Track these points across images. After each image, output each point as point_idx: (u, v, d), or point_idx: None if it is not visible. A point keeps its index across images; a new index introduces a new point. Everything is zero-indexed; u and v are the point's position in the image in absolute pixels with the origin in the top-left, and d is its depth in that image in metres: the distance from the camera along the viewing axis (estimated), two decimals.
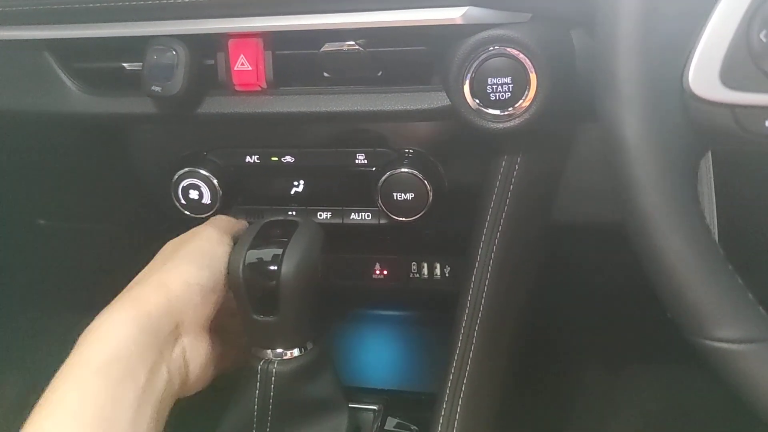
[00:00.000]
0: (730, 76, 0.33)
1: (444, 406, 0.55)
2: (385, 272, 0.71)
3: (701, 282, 0.35)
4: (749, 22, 0.32)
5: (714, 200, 0.45)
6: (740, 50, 0.33)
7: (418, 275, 0.71)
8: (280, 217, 0.53)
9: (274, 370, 0.49)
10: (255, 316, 0.48)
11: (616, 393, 0.93)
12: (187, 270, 0.49)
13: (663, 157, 0.34)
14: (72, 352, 0.44)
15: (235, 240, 0.52)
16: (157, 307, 0.46)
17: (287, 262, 0.47)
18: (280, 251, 0.48)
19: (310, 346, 0.51)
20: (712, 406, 0.89)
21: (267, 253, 0.48)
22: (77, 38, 0.57)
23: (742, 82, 0.33)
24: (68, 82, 0.60)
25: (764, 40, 0.32)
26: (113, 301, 0.47)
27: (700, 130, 0.35)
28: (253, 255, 0.48)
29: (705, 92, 0.34)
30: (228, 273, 0.49)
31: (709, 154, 0.42)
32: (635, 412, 0.93)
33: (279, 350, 0.50)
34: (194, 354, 0.49)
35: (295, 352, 0.50)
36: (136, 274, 0.52)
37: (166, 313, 0.46)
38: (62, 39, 0.57)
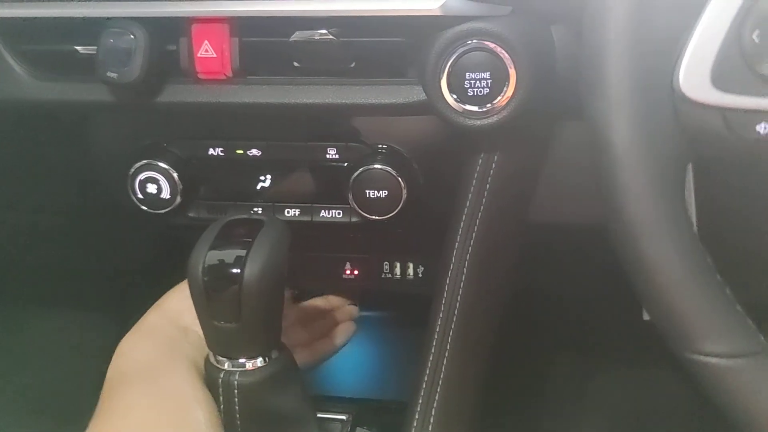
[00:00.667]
0: (721, 77, 0.32)
1: (416, 415, 0.53)
2: (356, 272, 0.69)
3: (690, 294, 0.33)
4: (741, 22, 0.31)
5: (694, 206, 0.44)
6: (732, 51, 0.31)
7: (390, 275, 0.69)
8: (244, 216, 0.50)
9: (236, 382, 0.46)
10: (216, 323, 0.45)
11: (588, 394, 0.93)
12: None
13: (652, 162, 0.33)
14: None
15: None
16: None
17: (251, 265, 0.44)
18: (243, 252, 0.45)
19: (275, 354, 0.48)
20: (680, 407, 0.90)
21: (229, 255, 0.45)
22: (25, 18, 0.52)
23: (733, 84, 0.31)
24: (15, 67, 0.56)
25: (757, 40, 0.31)
26: None
27: (690, 134, 0.33)
28: (214, 256, 0.45)
29: (695, 94, 0.32)
30: (186, 275, 0.46)
31: None
32: (607, 413, 0.93)
33: (241, 360, 0.46)
34: None
35: (259, 362, 0.47)
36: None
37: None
38: (8, 18, 0.53)
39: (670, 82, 0.32)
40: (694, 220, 0.43)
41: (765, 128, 0.32)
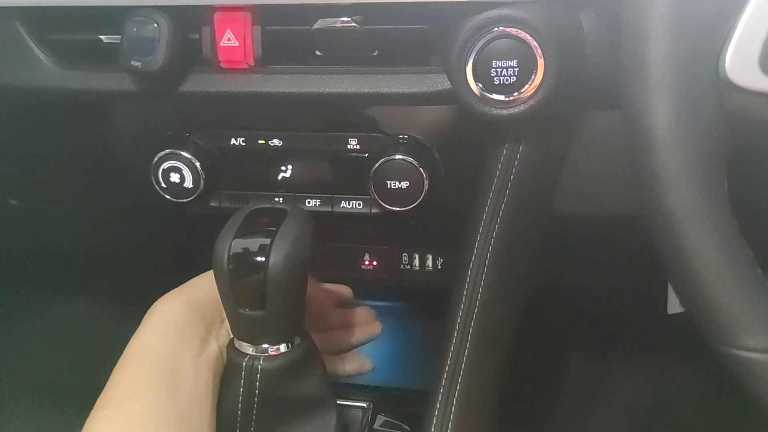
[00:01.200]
0: None
1: (438, 405, 0.52)
2: (375, 263, 0.69)
3: (732, 287, 0.32)
4: None
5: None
6: None
7: (409, 266, 0.68)
8: (268, 205, 0.50)
9: (259, 366, 0.46)
10: (240, 310, 0.45)
11: (607, 387, 0.93)
12: None
13: (693, 151, 0.32)
14: (138, 328, 0.50)
15: None
16: (208, 294, 0.50)
17: (275, 254, 0.44)
18: (267, 241, 0.45)
19: (297, 341, 0.48)
20: (693, 402, 0.89)
21: (254, 243, 0.45)
22: (50, 6, 0.53)
23: None
24: (41, 55, 0.56)
25: None
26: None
27: (735, 121, 0.32)
28: (238, 245, 0.45)
29: (742, 80, 0.31)
30: (212, 263, 0.46)
31: None
32: (625, 407, 0.92)
33: (264, 345, 0.47)
34: None
35: (282, 347, 0.47)
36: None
37: (214, 300, 0.49)
38: (34, 7, 0.53)
39: (716, 67, 0.31)
40: None
41: None
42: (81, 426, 0.45)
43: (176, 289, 0.53)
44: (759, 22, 0.30)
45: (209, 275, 0.50)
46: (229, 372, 0.48)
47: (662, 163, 0.32)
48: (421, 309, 0.78)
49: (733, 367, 0.34)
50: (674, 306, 0.51)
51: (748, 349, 0.33)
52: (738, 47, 0.31)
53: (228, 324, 0.50)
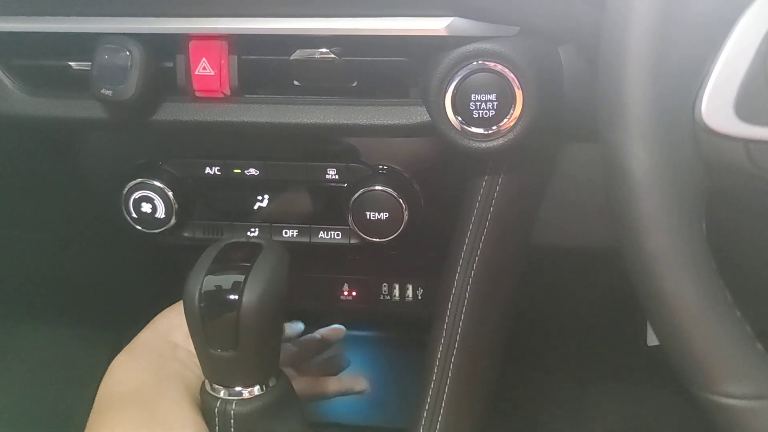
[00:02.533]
0: (745, 107, 0.30)
1: None
2: (354, 293, 0.67)
3: (710, 332, 0.32)
4: (767, 52, 0.30)
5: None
6: (757, 80, 0.30)
7: (388, 297, 0.67)
8: (242, 239, 0.48)
9: (232, 411, 0.44)
10: (212, 351, 0.44)
11: (589, 418, 0.93)
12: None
13: (672, 195, 0.31)
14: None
15: None
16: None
17: (249, 291, 0.43)
18: (241, 278, 0.43)
19: (272, 382, 0.46)
20: (671, 425, 0.89)
21: (227, 280, 0.43)
22: (18, 32, 0.51)
23: (758, 114, 0.30)
24: (7, 81, 0.54)
25: None
26: None
27: (711, 165, 0.32)
28: (211, 282, 0.44)
29: (717, 124, 0.31)
30: (183, 300, 0.44)
31: None
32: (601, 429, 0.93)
33: (238, 388, 0.45)
34: None
35: (256, 390, 0.45)
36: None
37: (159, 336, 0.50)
38: (1, 32, 0.51)
39: (692, 112, 0.31)
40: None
41: None
42: None
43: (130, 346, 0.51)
44: (734, 67, 0.30)
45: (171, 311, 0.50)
46: (203, 417, 0.46)
47: (640, 206, 0.32)
48: (401, 339, 0.77)
49: (712, 413, 0.33)
50: (653, 339, 0.51)
51: (727, 396, 0.32)
52: (714, 92, 0.31)
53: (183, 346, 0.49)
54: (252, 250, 0.46)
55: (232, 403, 0.44)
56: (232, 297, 0.43)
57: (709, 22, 0.30)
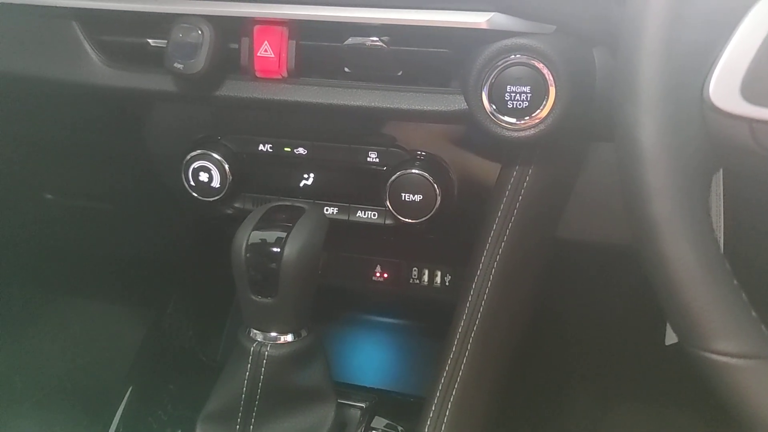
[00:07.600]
0: (750, 89, 0.33)
1: (433, 408, 0.54)
2: (386, 275, 0.71)
3: (706, 293, 0.34)
4: None
5: (722, 215, 0.45)
6: (763, 64, 0.33)
7: (418, 281, 0.71)
8: (287, 202, 0.53)
9: (266, 353, 0.49)
10: (253, 297, 0.48)
11: (604, 415, 0.92)
12: None
13: (677, 165, 0.34)
14: None
15: None
16: None
17: (290, 246, 0.47)
18: (284, 234, 0.48)
19: (304, 333, 0.50)
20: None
21: (270, 235, 0.48)
22: (106, 10, 0.57)
23: (762, 96, 0.33)
24: (92, 54, 0.60)
25: None
26: None
27: (716, 144, 0.34)
28: (256, 236, 0.48)
29: (724, 104, 0.33)
30: (231, 252, 0.49)
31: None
32: None
33: (273, 334, 0.49)
34: None
35: (289, 337, 0.49)
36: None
37: None
38: (91, 9, 0.58)
39: (701, 91, 0.34)
40: (721, 230, 0.44)
41: None
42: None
43: None
44: (743, 52, 0.33)
45: None
46: (236, 357, 0.50)
47: (647, 174, 0.34)
48: (426, 324, 0.79)
49: (704, 370, 0.36)
50: (672, 337, 0.52)
51: (721, 354, 0.34)
52: (722, 73, 0.33)
53: None
54: (295, 211, 0.51)
55: (267, 345, 0.49)
56: (274, 250, 0.47)
57: (722, 10, 0.33)
